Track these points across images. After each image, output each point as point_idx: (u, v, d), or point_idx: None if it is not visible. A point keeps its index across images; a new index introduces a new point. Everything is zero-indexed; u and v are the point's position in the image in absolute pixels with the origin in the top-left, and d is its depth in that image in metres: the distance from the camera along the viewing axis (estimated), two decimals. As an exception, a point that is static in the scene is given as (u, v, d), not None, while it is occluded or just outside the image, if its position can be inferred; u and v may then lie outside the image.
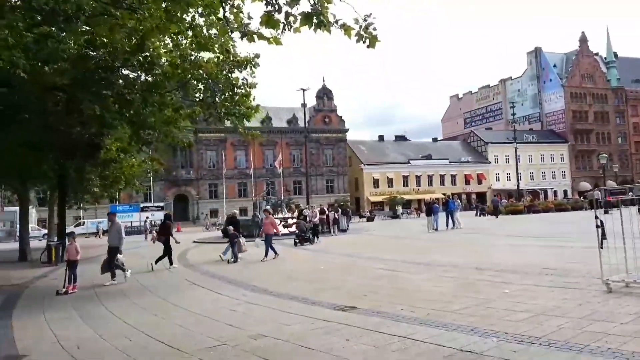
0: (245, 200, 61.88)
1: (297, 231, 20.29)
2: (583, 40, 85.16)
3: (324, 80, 75.06)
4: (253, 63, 11.71)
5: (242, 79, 11.60)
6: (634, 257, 6.94)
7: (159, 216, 52.46)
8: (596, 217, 7.10)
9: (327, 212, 26.86)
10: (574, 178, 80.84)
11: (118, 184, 19.09)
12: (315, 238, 20.29)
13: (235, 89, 11.53)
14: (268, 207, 21.47)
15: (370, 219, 50.19)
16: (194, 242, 26.93)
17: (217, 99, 11.66)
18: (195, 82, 11.90)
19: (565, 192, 78.27)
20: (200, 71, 11.28)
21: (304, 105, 44.75)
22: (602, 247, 7.01)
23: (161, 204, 55.39)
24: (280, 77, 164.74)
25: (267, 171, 66.91)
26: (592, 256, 10.51)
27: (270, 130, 68.14)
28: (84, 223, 52.65)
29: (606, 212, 10.08)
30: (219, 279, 10.96)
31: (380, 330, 5.60)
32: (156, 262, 13.41)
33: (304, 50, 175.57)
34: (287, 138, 68.80)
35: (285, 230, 26.86)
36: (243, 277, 11.04)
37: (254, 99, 12.06)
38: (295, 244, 18.94)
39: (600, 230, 7.04)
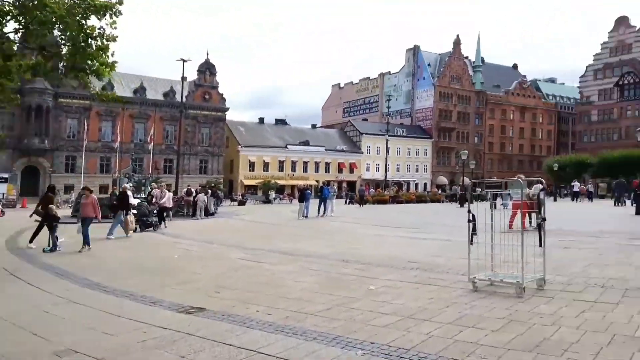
0: (107, 177, 56.78)
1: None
2: (457, 43, 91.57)
3: (207, 54, 71.23)
4: (114, 10, 9.91)
5: (99, 29, 9.73)
6: (500, 254, 6.78)
7: (1, 189, 46.14)
8: (469, 212, 6.80)
9: (193, 194, 25.22)
10: (434, 172, 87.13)
11: None
12: (162, 223, 17.47)
13: (90, 39, 9.62)
14: (127, 184, 18.89)
15: (241, 203, 48.98)
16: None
17: (64, 48, 9.64)
18: (38, 27, 9.71)
19: (425, 184, 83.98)
20: (46, 12, 9.21)
21: (183, 78, 41.81)
22: (471, 243, 6.74)
23: (5, 175, 48.63)
24: (161, 46, 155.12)
25: (135, 146, 62.05)
26: (454, 250, 10.61)
27: (143, 101, 63.28)
28: None
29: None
30: (46, 269, 9.15)
31: (227, 342, 4.62)
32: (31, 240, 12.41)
33: (189, 22, 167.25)
34: (162, 112, 64.44)
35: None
36: (78, 267, 9.34)
37: (112, 55, 10.23)
38: (135, 230, 15.71)
39: (471, 225, 6.74)
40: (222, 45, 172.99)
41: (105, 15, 9.63)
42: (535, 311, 5.41)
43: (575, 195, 41.55)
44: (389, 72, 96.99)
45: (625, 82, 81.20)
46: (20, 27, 9.37)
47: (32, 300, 6.54)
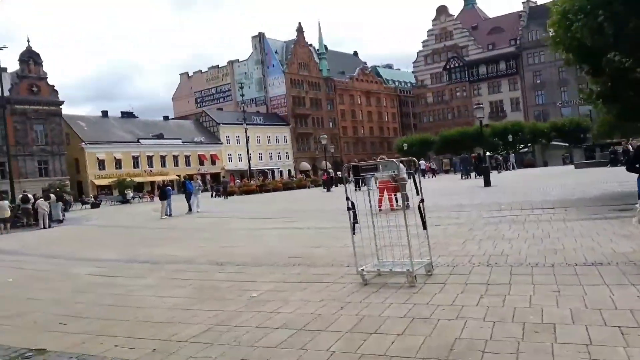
0: None
1: None
2: (300, 30, 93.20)
3: (28, 41, 62.66)
4: None
5: None
6: (382, 239, 6.37)
7: None
8: (347, 199, 6.24)
9: (31, 200, 21.84)
10: (296, 158, 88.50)
11: None
12: None
13: None
14: None
15: (95, 205, 44.57)
16: None
17: None
18: None
19: (289, 171, 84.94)
20: None
21: (0, 67, 35.99)
22: (354, 232, 6.20)
23: None
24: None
25: (-49, 150, 52.83)
26: (332, 238, 10.20)
27: (-47, 97, 53.81)
28: None
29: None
30: None
31: (72, 404, 3.42)
32: None
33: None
34: (-20, 109, 55.44)
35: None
36: None
37: None
38: None
39: (352, 213, 6.19)
40: (44, 32, 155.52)
41: None
42: (434, 303, 5.02)
43: (423, 173, 44.91)
44: (238, 60, 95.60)
45: (452, 66, 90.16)
46: None
47: None
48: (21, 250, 13.25)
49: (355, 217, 6.23)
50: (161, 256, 9.94)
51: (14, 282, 8.46)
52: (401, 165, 10.17)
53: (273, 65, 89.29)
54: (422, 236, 6.26)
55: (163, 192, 21.30)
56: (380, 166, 6.19)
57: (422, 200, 6.08)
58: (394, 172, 7.40)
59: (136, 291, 6.91)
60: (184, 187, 22.79)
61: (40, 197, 22.85)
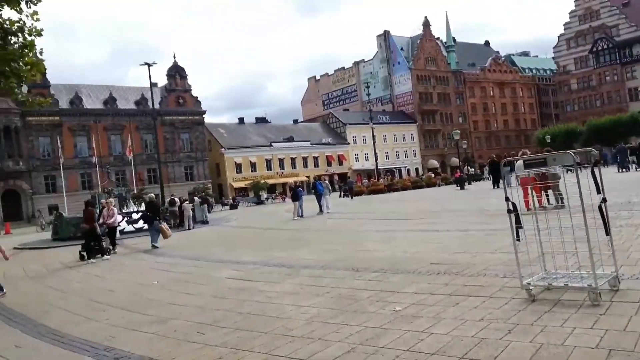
0: (92, 193, 54.76)
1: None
2: (426, 24, 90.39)
3: (174, 57, 69.00)
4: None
5: (18, 22, 8.00)
6: (550, 248, 5.30)
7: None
8: (507, 199, 5.29)
9: (177, 203, 23.52)
10: (424, 156, 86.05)
11: None
12: (111, 249, 14.26)
13: (9, 36, 7.91)
14: (111, 199, 16.74)
15: (233, 207, 47.34)
16: (15, 248, 21.73)
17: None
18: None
19: (417, 170, 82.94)
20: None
21: (152, 82, 39.79)
22: (518, 239, 5.23)
23: (-20, 202, 46.35)
24: (121, 53, 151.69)
25: (115, 159, 60.18)
26: (477, 243, 9.17)
27: (115, 112, 61.16)
28: None
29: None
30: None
31: None
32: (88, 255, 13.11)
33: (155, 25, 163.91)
34: (136, 121, 62.36)
35: (130, 227, 23.13)
36: (21, 303, 7.69)
37: (41, 53, 8.52)
38: (82, 257, 13.25)
39: (514, 216, 5.24)
40: (188, 49, 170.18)
41: (19, 3, 7.89)
42: (634, 329, 3.92)
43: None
44: (363, 60, 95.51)
45: (599, 48, 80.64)
46: None
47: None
48: (166, 251, 14.04)
49: (518, 221, 5.27)
50: (296, 260, 9.72)
51: (159, 284, 8.76)
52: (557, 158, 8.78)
53: (399, 63, 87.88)
54: (594, 242, 5.08)
55: (295, 193, 21.59)
56: (550, 159, 5.12)
57: (604, 200, 4.92)
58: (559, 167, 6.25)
59: (274, 299, 6.64)
60: (314, 188, 22.91)
61: (186, 200, 24.54)
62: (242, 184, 66.48)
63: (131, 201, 27.70)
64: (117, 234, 20.14)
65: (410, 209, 20.14)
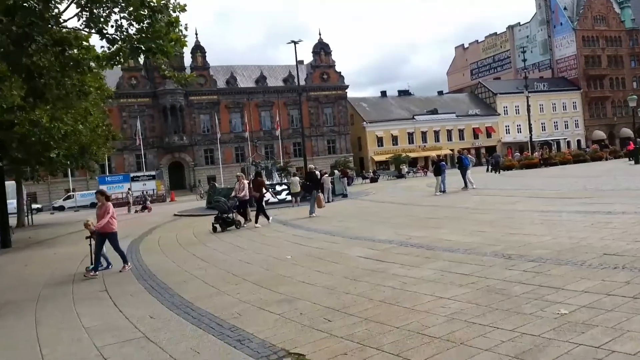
0: (242, 165, 58.94)
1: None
2: (597, -23, 79.38)
3: (320, 34, 69.80)
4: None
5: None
6: None
7: (150, 186, 49.77)
8: None
9: (318, 176, 23.59)
10: (588, 127, 76.90)
11: (47, 150, 15.20)
12: (244, 220, 14.87)
13: (155, 13, 8.12)
14: (241, 174, 16.92)
15: (374, 180, 47.06)
16: (174, 215, 24.03)
17: (127, 29, 8.24)
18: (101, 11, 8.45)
19: (578, 142, 74.60)
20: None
21: (297, 60, 40.62)
22: None
23: (152, 173, 52.46)
24: (273, 35, 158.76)
25: (264, 134, 63.69)
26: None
27: (265, 90, 64.44)
28: (73, 196, 49.84)
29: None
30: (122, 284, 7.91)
31: None
32: (256, 220, 14.42)
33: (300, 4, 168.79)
34: (284, 98, 65.01)
35: (275, 199, 23.94)
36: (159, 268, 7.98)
37: (186, 28, 8.67)
38: (214, 229, 13.88)
39: None
40: (329, 22, 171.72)
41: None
42: None
43: None
44: (518, 23, 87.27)
45: None
46: (84, 10, 8.19)
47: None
48: (303, 224, 14.04)
49: None
50: (437, 240, 8.84)
51: (292, 259, 8.56)
52: None
53: (561, 24, 78.71)
54: None
55: (437, 167, 20.33)
56: None
57: None
58: None
59: (410, 285, 5.92)
60: (460, 161, 21.33)
61: (326, 173, 24.67)
62: (383, 158, 65.95)
63: (276, 173, 28.76)
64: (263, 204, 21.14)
65: (574, 186, 17.70)
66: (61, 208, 47.91)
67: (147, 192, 46.12)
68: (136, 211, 30.84)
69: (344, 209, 18.17)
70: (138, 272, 8.86)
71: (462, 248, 7.85)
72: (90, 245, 9.37)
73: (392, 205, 18.17)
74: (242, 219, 14.91)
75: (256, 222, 14.55)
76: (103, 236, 8.96)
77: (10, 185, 34.45)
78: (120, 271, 8.93)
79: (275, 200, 23.76)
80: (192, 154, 61.70)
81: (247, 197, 15.17)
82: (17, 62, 7.66)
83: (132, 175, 50.80)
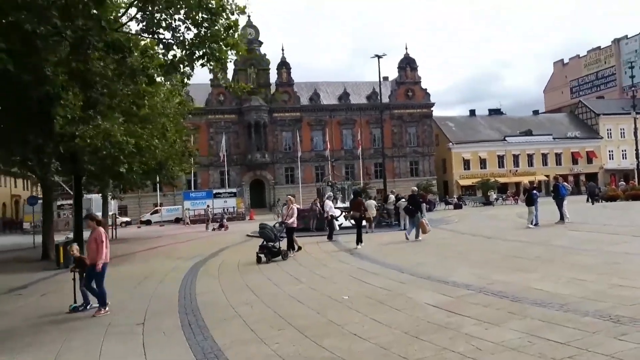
0: (317, 186, 58.67)
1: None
2: None
3: (406, 48, 68.28)
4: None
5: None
6: None
7: (231, 203, 50.73)
8: None
9: (391, 200, 22.28)
10: None
11: (117, 165, 15.25)
12: (290, 251, 13.61)
13: (213, 17, 7.57)
14: (291, 197, 15.75)
15: (458, 206, 44.42)
16: (247, 235, 23.66)
17: (184, 33, 7.74)
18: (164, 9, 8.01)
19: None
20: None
21: (381, 76, 39.64)
22: None
23: (234, 190, 53.57)
24: (359, 50, 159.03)
25: (345, 153, 63.17)
26: None
27: (348, 107, 64.03)
28: (159, 211, 51.98)
29: None
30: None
31: None
32: (357, 241, 14.51)
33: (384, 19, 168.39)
34: (367, 115, 64.10)
35: (347, 223, 22.91)
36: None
37: (247, 29, 8.07)
38: (259, 259, 12.58)
39: None
40: (419, 37, 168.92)
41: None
42: None
43: None
44: (626, 36, 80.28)
45: None
46: (143, 14, 7.84)
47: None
48: (370, 254, 12.84)
49: None
50: (524, 289, 7.36)
51: (349, 300, 7.48)
52: None
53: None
54: None
55: (529, 195, 18.22)
56: None
57: None
58: None
59: (486, 354, 4.66)
60: (555, 190, 19.04)
61: (403, 197, 23.23)
62: (469, 182, 62.70)
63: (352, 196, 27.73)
64: (336, 227, 20.13)
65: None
66: (148, 222, 49.95)
67: (227, 210, 47.10)
68: (213, 229, 31.14)
69: (417, 239, 16.70)
70: (185, 302, 8.25)
71: (556, 302, 6.37)
72: (74, 278, 8.16)
73: (475, 238, 16.43)
74: (290, 249, 13.66)
75: (357, 243, 14.50)
76: (93, 267, 7.73)
77: (97, 198, 36.55)
78: (93, 315, 7.63)
79: (350, 224, 22.72)
80: (272, 171, 62.44)
81: (295, 225, 14.13)
82: (76, 70, 7.44)
83: (214, 192, 52.14)
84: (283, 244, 13.52)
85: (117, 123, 12.17)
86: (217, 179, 60.21)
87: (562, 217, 18.01)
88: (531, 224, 17.35)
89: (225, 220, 34.16)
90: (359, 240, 14.59)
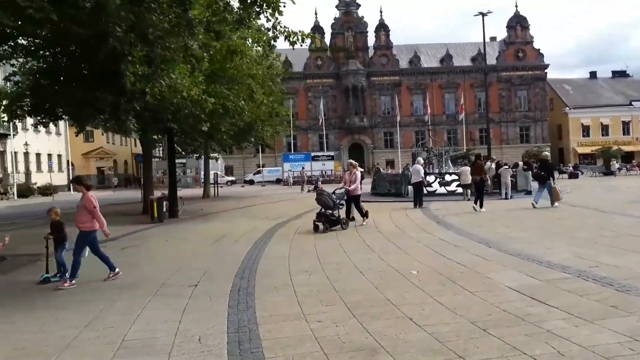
0: (412, 150, 56.57)
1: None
2: None
3: (516, 6, 62.23)
4: None
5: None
6: None
7: (329, 166, 50.86)
8: None
9: (489, 166, 20.33)
10: None
11: (199, 124, 15.24)
12: (353, 218, 12.60)
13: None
14: (352, 161, 14.54)
15: (573, 176, 40.41)
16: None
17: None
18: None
19: None
20: None
21: (488, 37, 36.74)
22: None
23: (331, 154, 53.54)
24: (463, 11, 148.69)
25: (447, 118, 60.34)
26: None
27: (450, 70, 60.60)
28: (261, 171, 53.72)
29: None
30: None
31: None
32: (475, 202, 14.86)
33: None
34: (471, 79, 60.27)
35: (442, 190, 21.60)
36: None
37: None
38: (316, 228, 11.41)
39: None
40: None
41: None
42: None
43: None
44: None
45: None
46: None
47: None
48: (460, 225, 11.67)
49: None
50: (636, 277, 5.98)
51: (417, 276, 6.60)
52: None
53: None
54: None
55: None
56: None
57: None
58: None
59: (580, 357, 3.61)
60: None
61: (505, 165, 21.23)
62: (588, 150, 56.97)
63: (449, 162, 26.09)
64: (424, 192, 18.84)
65: None
66: (251, 182, 51.99)
67: (325, 172, 47.30)
68: (309, 190, 31.31)
69: (519, 210, 15.04)
70: (247, 265, 7.89)
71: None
72: (47, 246, 7.31)
73: (587, 211, 14.35)
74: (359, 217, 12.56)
75: (480, 207, 14.64)
76: (85, 234, 7.00)
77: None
78: (105, 280, 7.09)
79: (444, 191, 21.39)
80: (371, 136, 61.42)
81: (359, 192, 12.82)
82: (135, 24, 7.19)
83: (312, 154, 52.49)
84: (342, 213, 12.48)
85: (184, 79, 11.83)
86: (316, 142, 60.57)
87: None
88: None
89: (319, 182, 34.11)
90: (481, 204, 14.68)
